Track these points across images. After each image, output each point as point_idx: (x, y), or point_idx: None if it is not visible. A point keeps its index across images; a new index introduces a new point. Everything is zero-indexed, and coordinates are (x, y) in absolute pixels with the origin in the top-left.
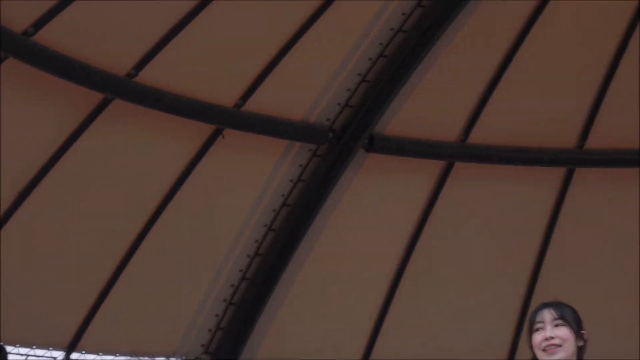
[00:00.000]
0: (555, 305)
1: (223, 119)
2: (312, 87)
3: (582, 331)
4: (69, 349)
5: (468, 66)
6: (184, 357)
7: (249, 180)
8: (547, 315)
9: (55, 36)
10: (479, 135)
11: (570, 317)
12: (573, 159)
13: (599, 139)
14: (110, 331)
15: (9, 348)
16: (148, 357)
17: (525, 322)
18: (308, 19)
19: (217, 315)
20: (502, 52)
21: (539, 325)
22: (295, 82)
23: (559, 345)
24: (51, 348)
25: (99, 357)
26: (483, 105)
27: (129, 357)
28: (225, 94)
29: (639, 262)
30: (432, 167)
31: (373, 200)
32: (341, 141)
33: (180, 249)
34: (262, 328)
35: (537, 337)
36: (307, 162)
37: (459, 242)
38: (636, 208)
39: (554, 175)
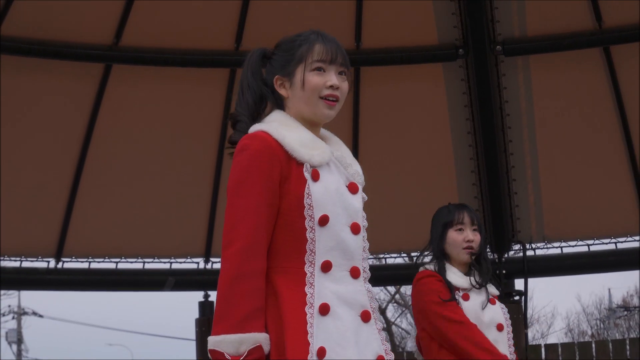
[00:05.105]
0: (471, 209)
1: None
2: None
3: None
4: None
5: None
6: None
7: None
8: (467, 218)
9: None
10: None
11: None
12: None
13: None
14: None
15: None
16: None
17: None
18: None
19: None
20: None
21: (460, 226)
22: None
23: (473, 248)
24: None
25: None
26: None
27: None
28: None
29: None
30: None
31: None
32: None
33: None
34: None
35: (458, 237)
36: None
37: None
38: None
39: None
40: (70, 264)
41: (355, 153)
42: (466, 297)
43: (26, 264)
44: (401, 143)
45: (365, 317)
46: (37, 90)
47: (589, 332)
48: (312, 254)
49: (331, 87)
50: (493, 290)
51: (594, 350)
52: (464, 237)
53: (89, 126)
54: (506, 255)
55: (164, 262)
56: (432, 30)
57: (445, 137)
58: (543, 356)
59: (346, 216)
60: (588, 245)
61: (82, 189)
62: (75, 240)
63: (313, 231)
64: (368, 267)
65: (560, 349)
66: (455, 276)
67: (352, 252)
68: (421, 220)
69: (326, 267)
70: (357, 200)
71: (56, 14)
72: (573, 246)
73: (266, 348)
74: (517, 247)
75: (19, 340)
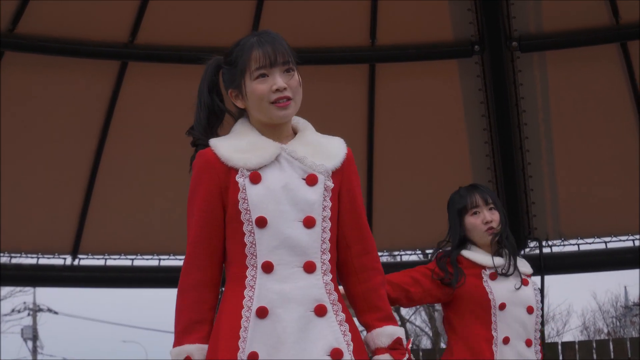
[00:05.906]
0: (482, 189)
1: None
2: None
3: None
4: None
5: None
6: None
7: None
8: (480, 199)
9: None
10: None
11: (497, 200)
12: None
13: None
14: None
15: None
16: None
17: (451, 205)
18: None
19: None
20: None
21: (475, 209)
22: None
23: (494, 228)
24: None
25: None
26: None
27: None
28: None
29: None
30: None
31: None
32: None
33: None
34: None
35: (476, 220)
36: None
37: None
38: None
39: None
40: (87, 260)
41: (371, 150)
42: (494, 277)
43: (43, 261)
44: (416, 140)
45: (320, 311)
46: (53, 87)
47: (605, 330)
48: (254, 257)
49: (277, 90)
50: (526, 269)
51: (611, 348)
52: (481, 219)
53: (105, 123)
54: (522, 253)
55: (180, 259)
56: (448, 27)
57: (460, 134)
58: (560, 354)
59: (296, 211)
60: (605, 242)
61: (98, 185)
62: (91, 237)
63: (252, 234)
64: (329, 259)
65: (577, 347)
66: (478, 255)
67: (303, 247)
68: (436, 218)
69: (267, 267)
70: (315, 193)
71: (72, 12)
72: (590, 243)
73: (197, 358)
74: (533, 244)
75: (34, 337)
